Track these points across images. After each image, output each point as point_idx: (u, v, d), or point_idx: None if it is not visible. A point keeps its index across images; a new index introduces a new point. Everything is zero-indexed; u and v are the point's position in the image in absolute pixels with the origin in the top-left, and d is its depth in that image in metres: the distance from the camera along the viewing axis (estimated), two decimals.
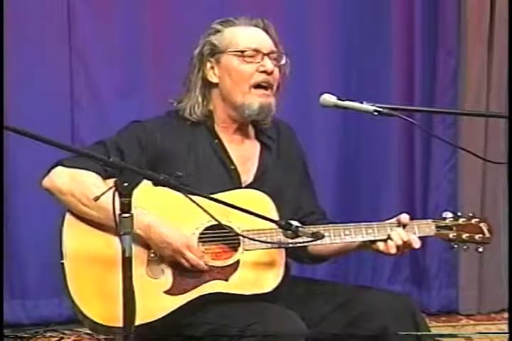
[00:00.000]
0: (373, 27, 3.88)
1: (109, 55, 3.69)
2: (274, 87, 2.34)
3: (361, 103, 2.15)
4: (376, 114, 2.12)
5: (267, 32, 2.37)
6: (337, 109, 2.21)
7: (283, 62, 2.36)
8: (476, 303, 4.01)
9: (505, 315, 3.87)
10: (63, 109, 3.67)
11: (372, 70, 3.90)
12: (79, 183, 2.21)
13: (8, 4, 3.30)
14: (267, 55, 2.32)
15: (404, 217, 2.27)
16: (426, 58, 3.93)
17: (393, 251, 2.23)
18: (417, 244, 2.24)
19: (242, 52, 2.31)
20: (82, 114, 3.69)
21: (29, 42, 3.57)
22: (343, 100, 2.18)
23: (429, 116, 3.87)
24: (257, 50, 2.31)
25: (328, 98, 2.19)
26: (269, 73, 2.31)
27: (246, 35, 2.33)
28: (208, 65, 2.35)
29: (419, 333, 2.22)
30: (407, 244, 2.23)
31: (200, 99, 2.35)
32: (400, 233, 2.23)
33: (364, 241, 2.27)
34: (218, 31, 2.35)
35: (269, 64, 2.31)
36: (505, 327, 3.58)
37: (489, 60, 3.91)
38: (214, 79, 2.35)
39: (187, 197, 1.91)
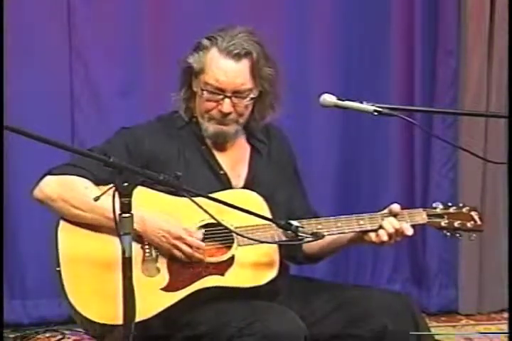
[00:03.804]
0: (373, 27, 3.88)
1: (109, 55, 3.68)
2: (236, 118, 2.32)
3: (361, 103, 2.16)
4: (376, 114, 2.12)
5: (250, 66, 2.28)
6: (337, 109, 2.22)
7: (252, 96, 2.31)
8: (476, 303, 4.01)
9: (505, 315, 3.86)
10: (63, 109, 3.66)
11: (372, 70, 3.90)
12: (68, 187, 2.22)
13: (9, 4, 3.30)
14: (230, 96, 2.29)
15: (395, 207, 2.29)
16: (426, 58, 3.93)
17: (385, 238, 2.24)
18: (409, 231, 2.26)
19: (205, 87, 2.28)
20: (82, 114, 3.68)
21: (29, 42, 3.57)
22: (343, 100, 2.19)
23: (429, 116, 3.87)
24: (220, 90, 2.28)
25: (328, 98, 2.19)
26: (226, 115, 2.30)
27: (216, 69, 2.27)
28: (191, 75, 2.34)
29: (419, 333, 2.22)
30: (399, 232, 2.25)
31: (182, 96, 2.36)
32: (391, 221, 2.25)
33: (356, 232, 2.28)
34: (204, 48, 2.29)
35: (226, 107, 2.29)
36: (505, 327, 3.57)
37: (489, 60, 3.91)
38: (195, 89, 2.35)
39: (186, 196, 1.92)
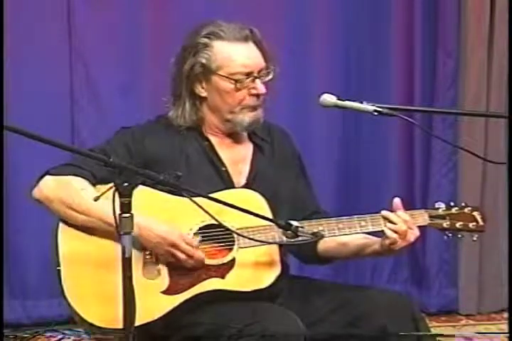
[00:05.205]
0: (373, 27, 3.88)
1: (109, 54, 3.69)
2: (263, 99, 2.32)
3: (361, 103, 2.16)
4: (376, 114, 2.12)
5: (256, 44, 2.32)
6: (337, 109, 2.22)
7: (271, 76, 2.33)
8: (476, 303, 4.01)
9: (505, 315, 3.86)
10: (63, 109, 3.67)
11: (372, 70, 3.90)
12: (66, 188, 2.22)
13: (9, 4, 3.30)
14: (258, 76, 2.30)
15: (398, 202, 2.25)
16: (426, 58, 3.93)
17: (403, 228, 2.20)
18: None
19: (234, 77, 2.27)
20: (82, 114, 3.68)
21: (29, 42, 3.57)
22: (343, 100, 2.19)
23: (429, 116, 3.87)
24: (248, 73, 2.28)
25: (328, 98, 2.19)
26: (259, 96, 2.30)
27: (237, 56, 2.28)
28: (197, 81, 2.32)
29: (419, 333, 2.22)
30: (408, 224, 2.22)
31: (188, 108, 2.34)
32: (399, 215, 2.22)
33: (382, 246, 2.24)
34: (206, 46, 2.29)
35: (260, 87, 2.29)
36: (505, 327, 3.58)
37: (489, 60, 3.91)
38: (203, 94, 2.33)
39: (186, 196, 1.92)
